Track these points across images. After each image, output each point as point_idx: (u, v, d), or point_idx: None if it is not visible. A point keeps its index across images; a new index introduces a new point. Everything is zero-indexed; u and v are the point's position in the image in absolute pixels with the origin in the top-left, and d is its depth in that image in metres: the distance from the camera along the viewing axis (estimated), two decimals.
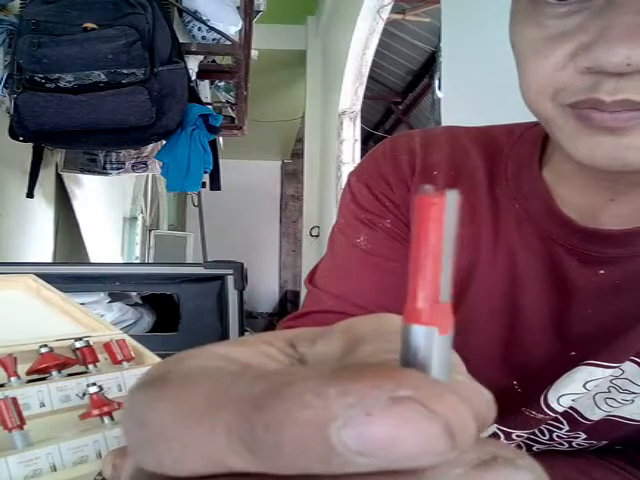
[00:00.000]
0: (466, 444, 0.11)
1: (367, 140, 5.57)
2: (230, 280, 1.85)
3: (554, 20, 0.36)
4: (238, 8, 2.04)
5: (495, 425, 0.50)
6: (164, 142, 1.91)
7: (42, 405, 0.31)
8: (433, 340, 0.12)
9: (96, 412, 0.30)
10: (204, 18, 1.87)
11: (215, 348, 0.14)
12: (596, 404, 0.47)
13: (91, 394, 0.32)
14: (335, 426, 0.10)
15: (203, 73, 2.11)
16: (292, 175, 7.64)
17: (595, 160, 0.37)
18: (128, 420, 0.13)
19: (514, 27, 0.40)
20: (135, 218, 3.98)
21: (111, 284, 1.85)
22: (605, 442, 0.51)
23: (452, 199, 0.12)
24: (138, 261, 3.87)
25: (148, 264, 3.29)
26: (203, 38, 1.93)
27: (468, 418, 0.11)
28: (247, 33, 2.27)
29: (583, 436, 0.50)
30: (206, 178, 2.04)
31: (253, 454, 0.11)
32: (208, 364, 0.13)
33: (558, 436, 0.50)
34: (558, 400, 0.46)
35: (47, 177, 2.40)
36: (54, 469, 0.26)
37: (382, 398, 0.10)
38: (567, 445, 0.51)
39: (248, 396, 0.11)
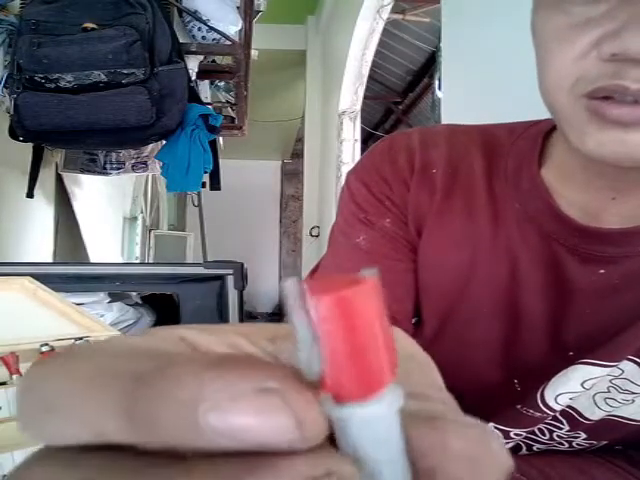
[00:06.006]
0: (314, 437, 0.12)
1: (367, 140, 5.57)
2: (230, 280, 1.85)
3: (580, 7, 0.35)
4: (238, 8, 2.04)
5: (492, 424, 0.50)
6: (164, 142, 1.91)
7: None
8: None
9: None
10: (204, 18, 1.87)
11: (178, 330, 0.15)
12: (596, 404, 0.47)
13: None
14: (203, 407, 0.11)
15: (203, 73, 2.11)
16: (292, 175, 7.64)
17: (603, 155, 0.37)
18: (24, 391, 0.13)
19: (538, 14, 0.39)
20: (135, 218, 3.97)
21: (111, 284, 1.85)
22: (605, 442, 0.51)
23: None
24: (138, 261, 3.86)
25: (148, 264, 3.28)
26: (203, 38, 1.93)
27: (317, 417, 0.12)
28: (247, 33, 2.27)
29: (583, 436, 0.50)
30: (206, 178, 2.04)
31: (131, 426, 0.12)
32: (112, 344, 0.14)
33: (558, 436, 0.50)
34: (556, 399, 0.46)
35: (47, 177, 2.40)
36: None
37: (247, 387, 0.12)
38: (567, 445, 0.51)
39: (138, 372, 0.12)
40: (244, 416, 0.11)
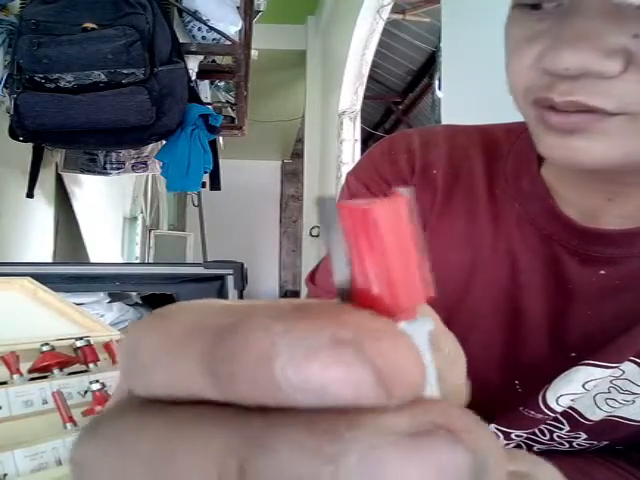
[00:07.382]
0: (402, 394, 0.11)
1: (367, 140, 5.57)
2: (230, 280, 1.85)
3: (532, 22, 0.39)
4: (238, 8, 2.04)
5: (493, 425, 0.50)
6: (164, 142, 1.91)
7: (44, 402, 0.31)
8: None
9: (99, 409, 0.30)
10: (204, 18, 1.87)
11: (217, 299, 0.15)
12: (596, 404, 0.47)
13: (94, 391, 0.32)
14: (279, 362, 0.10)
15: (203, 73, 2.11)
16: (292, 175, 7.64)
17: (553, 158, 0.40)
18: (123, 349, 0.13)
19: (505, 28, 0.42)
20: (135, 218, 3.97)
21: (111, 284, 1.85)
22: (606, 442, 0.51)
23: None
24: (138, 261, 3.87)
25: (148, 264, 3.28)
26: (203, 38, 1.93)
27: (406, 368, 0.11)
28: (247, 33, 2.27)
29: (584, 436, 0.50)
30: (206, 178, 2.04)
31: (215, 383, 0.11)
32: (203, 302, 0.14)
33: (559, 436, 0.50)
34: (557, 400, 0.46)
35: (47, 177, 2.40)
36: (59, 463, 0.26)
37: (322, 338, 0.11)
38: (567, 445, 0.51)
39: (216, 327, 0.12)
40: (319, 371, 0.10)
